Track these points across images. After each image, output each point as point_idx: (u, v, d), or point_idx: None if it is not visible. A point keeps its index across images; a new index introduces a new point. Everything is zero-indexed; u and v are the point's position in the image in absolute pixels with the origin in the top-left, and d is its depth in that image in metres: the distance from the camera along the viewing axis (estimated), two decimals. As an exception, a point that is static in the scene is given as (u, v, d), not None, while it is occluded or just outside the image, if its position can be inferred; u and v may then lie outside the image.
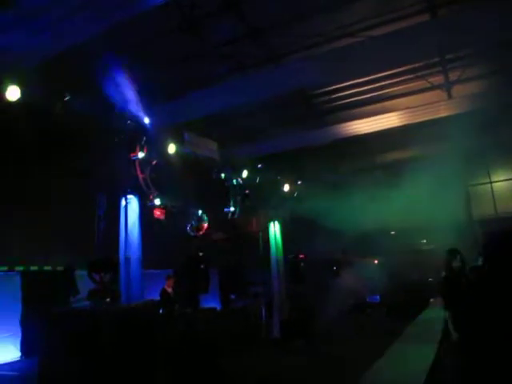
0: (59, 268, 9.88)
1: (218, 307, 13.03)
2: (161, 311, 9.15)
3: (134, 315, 5.08)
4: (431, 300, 11.83)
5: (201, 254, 6.92)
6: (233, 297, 13.58)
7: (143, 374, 4.84)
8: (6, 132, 7.25)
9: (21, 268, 9.61)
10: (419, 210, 12.97)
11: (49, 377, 4.51)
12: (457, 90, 12.38)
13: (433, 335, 7.31)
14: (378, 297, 15.57)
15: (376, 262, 14.70)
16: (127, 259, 7.66)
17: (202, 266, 7.58)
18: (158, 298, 9.78)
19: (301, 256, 13.45)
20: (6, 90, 6.67)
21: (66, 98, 7.11)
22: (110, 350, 4.32)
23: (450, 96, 12.52)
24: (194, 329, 7.50)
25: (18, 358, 9.01)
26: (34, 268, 9.78)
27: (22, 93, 6.77)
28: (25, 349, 8.95)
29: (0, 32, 6.55)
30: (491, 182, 17.02)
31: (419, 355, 6.29)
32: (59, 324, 4.88)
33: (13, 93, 6.71)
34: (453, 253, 5.84)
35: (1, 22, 6.49)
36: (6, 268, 9.52)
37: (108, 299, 5.86)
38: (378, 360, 6.25)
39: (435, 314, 8.97)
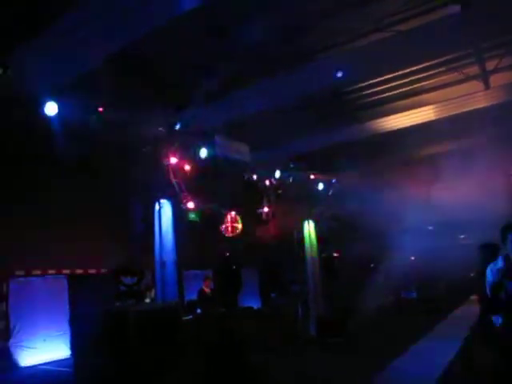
0: (103, 271, 10.42)
1: (259, 306, 13.28)
2: (198, 311, 9.48)
3: (155, 315, 5.37)
4: (471, 297, 11.58)
5: (227, 254, 7.12)
6: (273, 295, 13.76)
7: (170, 371, 5.13)
8: (47, 142, 7.68)
9: (67, 271, 10.22)
10: (459, 204, 12.68)
11: (83, 374, 4.90)
12: (494, 79, 12.02)
13: (460, 333, 7.33)
14: (415, 293, 15.36)
15: (413, 258, 14.49)
16: (163, 262, 7.97)
17: (233, 267, 7.79)
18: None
19: (335, 254, 13.46)
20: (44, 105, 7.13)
21: (100, 110, 7.47)
22: (133, 348, 4.62)
23: (487, 86, 12.17)
24: (229, 327, 7.71)
25: (69, 356, 9.60)
26: (79, 271, 10.39)
27: (59, 107, 7.20)
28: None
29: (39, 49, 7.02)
30: (534, 172, 16.26)
31: (440, 352, 6.34)
32: (86, 324, 5.25)
33: (51, 108, 7.16)
34: (488, 248, 5.59)
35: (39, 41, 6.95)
36: (54, 271, 10.15)
37: (133, 300, 6.19)
38: (399, 357, 6.32)
39: (469, 311, 8.91)
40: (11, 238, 8.75)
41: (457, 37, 9.16)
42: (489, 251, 5.45)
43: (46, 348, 9.92)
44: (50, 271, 10.17)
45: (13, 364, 9.27)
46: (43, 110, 7.07)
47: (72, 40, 6.62)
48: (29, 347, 9.66)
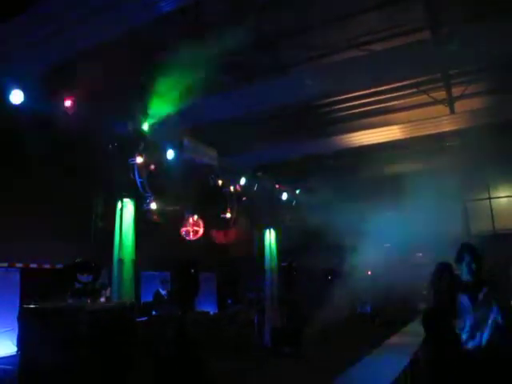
0: (58, 266, 10.13)
1: (215, 311, 13.22)
2: (153, 313, 9.36)
3: (109, 314, 5.30)
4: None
5: (183, 258, 7.08)
6: (229, 302, 13.73)
7: (120, 372, 5.05)
8: (9, 133, 7.49)
9: (20, 265, 9.88)
10: (416, 223, 13.00)
11: (28, 370, 4.79)
12: (460, 105, 12.42)
13: (409, 348, 7.54)
14: (369, 308, 15.72)
15: (369, 273, 14.78)
16: (120, 261, 7.85)
17: (192, 271, 7.73)
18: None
19: (294, 264, 13.57)
20: (9, 93, 6.93)
21: (67, 103, 7.32)
22: (84, 348, 4.54)
23: (452, 111, 12.56)
24: (183, 331, 7.63)
25: (14, 353, 9.27)
26: (33, 265, 10.06)
27: (26, 96, 7.02)
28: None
29: (7, 37, 6.81)
30: (490, 198, 17.01)
31: (389, 365, 6.51)
32: (36, 321, 5.12)
33: (16, 96, 6.96)
34: (442, 267, 5.74)
35: (9, 27, 6.75)
36: (6, 264, 9.81)
37: (87, 298, 6.10)
38: (347, 369, 6.45)
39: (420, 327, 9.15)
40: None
41: (427, 61, 9.44)
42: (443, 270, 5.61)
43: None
44: (2, 264, 9.81)
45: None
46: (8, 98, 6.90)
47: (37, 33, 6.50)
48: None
